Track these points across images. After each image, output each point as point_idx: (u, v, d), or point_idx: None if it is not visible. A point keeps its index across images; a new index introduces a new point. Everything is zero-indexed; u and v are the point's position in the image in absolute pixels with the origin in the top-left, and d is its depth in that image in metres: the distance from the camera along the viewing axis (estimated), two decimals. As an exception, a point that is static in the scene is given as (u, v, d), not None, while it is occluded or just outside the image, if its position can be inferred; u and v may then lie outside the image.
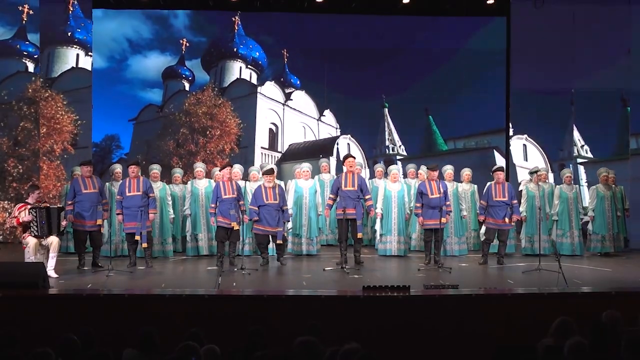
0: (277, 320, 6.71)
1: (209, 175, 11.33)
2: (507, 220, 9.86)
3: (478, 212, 10.40)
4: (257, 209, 9.64)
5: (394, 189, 10.64)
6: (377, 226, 10.75)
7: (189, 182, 10.97)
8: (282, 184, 10.69)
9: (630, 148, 13.11)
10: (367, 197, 9.73)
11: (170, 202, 10.58)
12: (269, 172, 9.88)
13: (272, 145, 14.52)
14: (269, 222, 9.63)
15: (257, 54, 14.69)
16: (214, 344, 4.63)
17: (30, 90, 13.26)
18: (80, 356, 4.58)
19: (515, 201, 10.05)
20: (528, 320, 6.69)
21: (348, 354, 3.99)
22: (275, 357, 4.29)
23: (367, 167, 13.37)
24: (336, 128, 14.75)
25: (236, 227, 9.46)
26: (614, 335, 4.69)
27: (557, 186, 11.06)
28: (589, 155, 14.06)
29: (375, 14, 13.62)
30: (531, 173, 11.27)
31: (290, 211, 10.25)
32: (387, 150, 14.26)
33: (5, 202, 12.74)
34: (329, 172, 12.13)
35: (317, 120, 14.78)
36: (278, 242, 9.73)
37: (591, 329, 4.67)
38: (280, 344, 4.74)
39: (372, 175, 12.10)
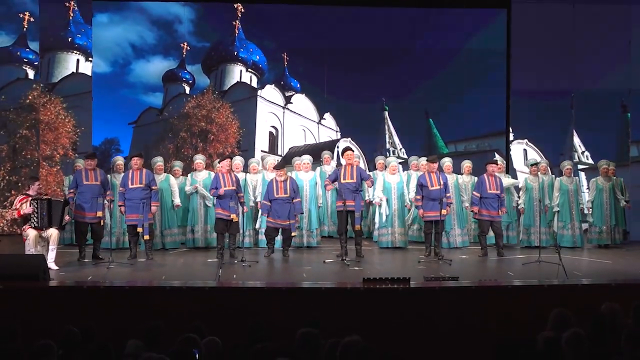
0: (277, 312, 6.72)
1: (209, 168, 11.35)
2: (500, 212, 9.89)
3: (472, 202, 10.38)
4: (269, 203, 9.69)
5: (393, 180, 10.66)
6: (376, 218, 10.76)
7: (189, 175, 11.02)
8: (294, 176, 10.68)
9: (630, 155, 13.04)
10: (368, 181, 9.78)
11: (175, 191, 10.58)
12: (280, 166, 9.96)
13: (272, 148, 14.52)
14: (279, 216, 9.67)
15: (258, 57, 14.73)
16: (214, 336, 4.65)
17: (30, 98, 13.26)
18: (81, 348, 4.59)
19: (504, 194, 10.10)
20: (528, 312, 6.69)
21: (348, 347, 3.99)
22: (276, 350, 4.30)
23: (367, 170, 13.30)
24: (336, 131, 14.75)
25: (235, 219, 9.48)
26: (613, 327, 4.69)
27: (557, 178, 11.06)
28: (590, 161, 14.03)
29: (374, 6, 13.57)
30: (530, 165, 11.28)
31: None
32: (387, 153, 14.22)
33: (3, 210, 12.77)
34: (330, 164, 12.11)
35: (318, 123, 14.78)
36: (293, 234, 9.79)
37: (591, 321, 4.67)
38: (281, 336, 4.76)
39: (374, 168, 12.10)
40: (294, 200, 9.75)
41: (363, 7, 13.65)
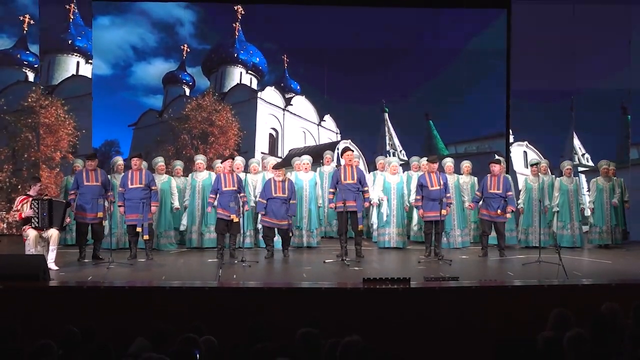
0: (277, 312, 6.72)
1: (210, 168, 11.37)
2: (499, 212, 9.85)
3: (472, 199, 10.40)
4: (264, 202, 9.66)
5: (393, 181, 10.66)
6: (374, 218, 10.76)
7: (190, 175, 11.04)
8: (294, 176, 10.67)
9: (630, 158, 13.02)
10: (365, 189, 9.74)
11: (175, 194, 10.62)
12: (279, 166, 9.97)
13: (272, 150, 14.53)
14: (275, 215, 9.64)
15: (258, 59, 14.76)
16: (214, 336, 4.65)
17: (30, 100, 13.28)
18: (81, 348, 4.59)
19: (511, 193, 10.01)
20: (528, 312, 6.69)
21: (348, 347, 3.99)
22: (276, 350, 4.30)
23: (367, 172, 13.30)
24: (336, 133, 14.77)
25: (235, 220, 9.48)
26: (613, 327, 4.69)
27: (557, 178, 11.07)
28: (590, 163, 14.02)
29: (375, 6, 13.58)
30: (531, 165, 11.29)
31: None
32: (387, 154, 14.19)
33: (3, 212, 12.77)
34: (331, 165, 12.10)
35: (318, 125, 14.79)
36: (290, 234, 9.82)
37: (591, 321, 4.67)
38: (281, 336, 4.76)
39: (375, 169, 12.11)
40: (290, 202, 9.75)
41: (363, 7, 13.66)
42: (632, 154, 13.09)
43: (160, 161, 10.98)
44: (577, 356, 4.19)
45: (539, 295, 7.10)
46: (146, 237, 9.48)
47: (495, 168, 10.03)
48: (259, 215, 10.22)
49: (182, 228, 10.82)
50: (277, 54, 14.63)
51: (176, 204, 10.57)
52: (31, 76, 13.72)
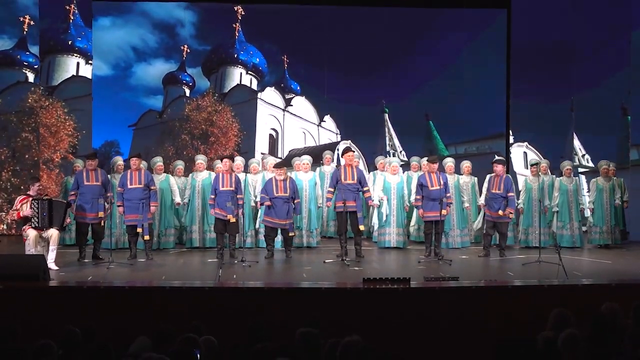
0: (277, 312, 6.71)
1: (210, 168, 11.38)
2: (501, 212, 9.84)
3: (481, 202, 10.43)
4: (267, 196, 9.66)
5: (393, 181, 10.66)
6: (374, 218, 10.77)
7: (190, 175, 11.05)
8: (293, 176, 10.67)
9: (630, 159, 13.01)
10: (365, 188, 9.74)
11: (175, 190, 10.65)
12: (280, 165, 9.97)
13: (272, 150, 14.53)
14: (277, 215, 9.62)
15: (258, 59, 14.75)
16: (214, 336, 4.65)
17: (30, 101, 13.29)
18: (81, 348, 4.59)
19: (512, 194, 9.96)
20: (528, 312, 6.69)
21: (348, 347, 3.99)
22: (276, 350, 4.30)
23: (367, 172, 13.30)
24: (336, 133, 14.77)
25: (232, 220, 9.46)
26: (613, 327, 4.69)
27: (557, 178, 11.06)
28: (590, 164, 14.01)
29: (375, 6, 13.59)
30: (531, 165, 11.29)
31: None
32: (387, 155, 14.17)
33: (2, 214, 12.79)
34: (330, 165, 12.10)
35: (318, 125, 14.79)
36: (291, 234, 9.78)
37: (591, 321, 4.67)
38: (281, 336, 4.76)
39: (375, 169, 12.11)
40: (295, 201, 9.75)
41: (363, 7, 13.65)
42: (632, 154, 13.07)
43: (158, 161, 10.98)
44: (571, 357, 4.19)
45: (539, 295, 7.09)
46: (146, 237, 9.48)
47: (498, 168, 10.03)
48: (259, 214, 10.23)
49: (184, 223, 10.83)
50: (277, 54, 14.64)
51: (177, 199, 10.59)
52: (31, 77, 13.72)
